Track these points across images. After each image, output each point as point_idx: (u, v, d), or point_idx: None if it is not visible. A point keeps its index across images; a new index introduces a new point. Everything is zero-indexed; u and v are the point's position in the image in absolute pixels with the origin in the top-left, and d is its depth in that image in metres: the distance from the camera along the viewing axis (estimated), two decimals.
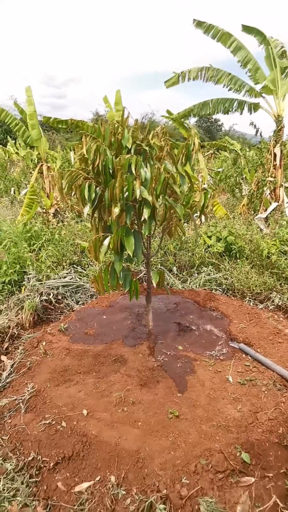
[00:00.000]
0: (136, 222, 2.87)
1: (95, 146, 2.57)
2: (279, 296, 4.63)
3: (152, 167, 2.60)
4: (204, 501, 2.08)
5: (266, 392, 2.80)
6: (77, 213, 10.90)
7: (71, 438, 2.42)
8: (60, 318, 4.50)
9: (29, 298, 4.58)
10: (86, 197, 2.69)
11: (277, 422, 2.50)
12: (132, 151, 2.61)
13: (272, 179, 8.97)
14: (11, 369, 3.26)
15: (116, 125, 2.74)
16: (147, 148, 2.62)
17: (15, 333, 4.04)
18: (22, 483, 2.23)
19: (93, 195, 2.71)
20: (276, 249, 6.06)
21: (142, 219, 2.53)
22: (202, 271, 5.79)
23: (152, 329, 3.45)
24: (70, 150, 21.91)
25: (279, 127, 8.91)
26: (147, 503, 2.06)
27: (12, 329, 4.06)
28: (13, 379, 3.11)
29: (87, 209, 2.80)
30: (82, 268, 5.64)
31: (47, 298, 4.75)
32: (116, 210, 2.49)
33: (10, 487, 2.19)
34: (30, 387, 2.85)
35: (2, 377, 3.18)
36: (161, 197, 2.68)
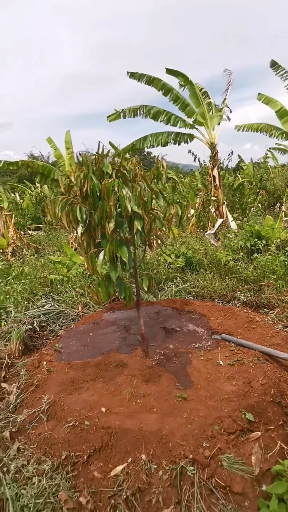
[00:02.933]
0: (124, 235, 3.29)
1: (82, 174, 3.00)
2: (243, 294, 5.24)
3: (130, 187, 3.08)
4: (225, 457, 2.44)
5: (253, 366, 3.28)
6: (34, 250, 11.00)
7: (97, 432, 2.65)
8: (46, 344, 4.64)
9: (14, 329, 4.68)
10: (79, 218, 3.07)
11: (268, 385, 2.97)
12: (114, 175, 3.09)
13: (215, 198, 9.98)
14: (18, 390, 3.38)
15: (96, 156, 3.20)
16: (125, 172, 3.11)
17: (9, 362, 4.12)
18: (61, 479, 2.40)
19: (84, 216, 3.11)
20: (230, 258, 6.80)
21: (135, 230, 2.97)
22: (168, 285, 6.27)
23: (144, 332, 3.80)
24: (13, 192, 21.88)
25: (214, 152, 10.07)
26: (178, 467, 2.36)
27: (5, 359, 4.14)
28: (24, 398, 3.24)
29: (80, 229, 3.17)
30: (59, 296, 5.83)
31: (31, 327, 4.86)
32: (111, 225, 2.90)
33: (52, 484, 2.36)
34: (46, 399, 3.03)
35: (11, 398, 3.29)
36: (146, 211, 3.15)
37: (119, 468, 2.44)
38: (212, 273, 6.56)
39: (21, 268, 7.47)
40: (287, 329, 4.13)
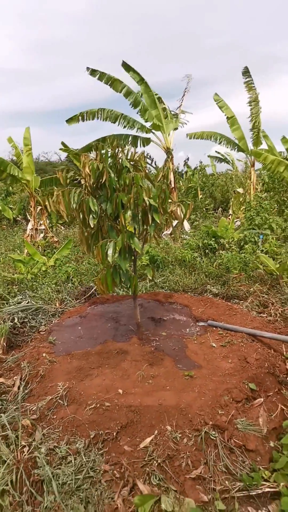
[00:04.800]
0: (138, 227, 3.48)
1: (101, 166, 3.14)
2: (214, 287, 5.71)
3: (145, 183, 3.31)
4: (239, 421, 2.77)
5: (244, 345, 3.69)
6: None
7: (121, 411, 2.80)
8: (28, 341, 4.58)
9: None
10: (93, 209, 3.20)
11: (262, 360, 3.39)
12: (131, 170, 3.27)
13: (170, 200, 10.48)
14: (22, 382, 3.35)
15: (114, 151, 3.35)
16: (140, 168, 3.32)
17: None
18: (95, 455, 2.52)
19: (96, 208, 3.24)
20: (196, 255, 7.30)
21: (150, 222, 3.19)
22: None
23: (139, 321, 4.00)
24: None
25: (170, 157, 10.59)
26: (202, 433, 2.63)
27: None
28: (31, 388, 3.24)
29: (92, 220, 3.28)
30: (33, 293, 5.74)
31: (12, 323, 4.75)
32: (127, 216, 3.08)
33: (88, 460, 2.47)
34: (61, 386, 3.08)
35: (15, 390, 3.28)
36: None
37: (148, 440, 2.63)
38: (181, 269, 6.98)
39: None
40: (261, 315, 4.66)
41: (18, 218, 15.89)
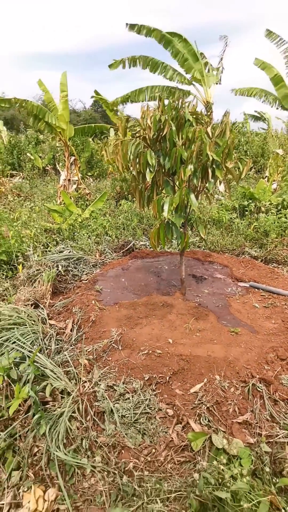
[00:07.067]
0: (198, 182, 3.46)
1: (163, 118, 3.06)
2: (253, 250, 5.70)
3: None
4: (284, 377, 2.91)
5: (287, 308, 3.76)
6: (18, 197, 10.59)
7: (172, 359, 2.98)
8: (71, 288, 4.79)
9: (41, 272, 4.76)
10: (150, 162, 3.17)
11: None
12: (194, 123, 3.19)
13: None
14: (74, 325, 3.58)
15: (176, 103, 3.25)
16: (202, 122, 3.22)
17: (47, 302, 4.25)
18: (149, 395, 2.73)
19: (154, 161, 3.21)
20: (234, 216, 7.22)
21: (210, 178, 3.16)
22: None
23: (184, 277, 4.10)
24: None
25: (210, 112, 10.12)
26: (250, 384, 2.79)
27: (43, 299, 4.27)
28: (84, 332, 3.45)
29: (148, 174, 3.28)
30: (74, 242, 5.89)
31: (58, 271, 4.95)
32: (188, 170, 3.06)
33: (143, 398, 2.69)
34: (115, 331, 3.28)
35: (68, 332, 3.51)
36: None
37: (198, 386, 2.82)
38: (218, 229, 6.96)
39: (28, 214, 7.34)
40: None
41: (47, 168, 15.85)
